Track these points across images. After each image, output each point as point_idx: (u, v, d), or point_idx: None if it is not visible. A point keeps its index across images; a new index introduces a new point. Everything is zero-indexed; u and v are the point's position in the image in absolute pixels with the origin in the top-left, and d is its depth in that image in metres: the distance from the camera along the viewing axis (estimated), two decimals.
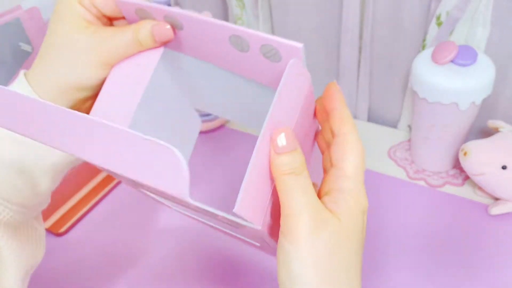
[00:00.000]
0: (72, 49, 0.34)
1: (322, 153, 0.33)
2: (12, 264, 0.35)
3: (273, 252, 0.32)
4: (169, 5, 0.78)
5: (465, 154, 0.54)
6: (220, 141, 0.72)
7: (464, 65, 0.53)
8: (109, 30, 0.34)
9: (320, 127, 0.34)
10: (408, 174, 0.63)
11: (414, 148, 0.64)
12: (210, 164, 0.67)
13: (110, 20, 0.36)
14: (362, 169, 0.29)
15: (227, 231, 0.37)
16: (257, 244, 0.36)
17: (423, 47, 0.62)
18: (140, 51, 0.35)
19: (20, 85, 0.34)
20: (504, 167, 0.52)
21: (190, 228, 0.57)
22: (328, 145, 0.32)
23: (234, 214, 0.25)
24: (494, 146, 0.54)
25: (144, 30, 0.33)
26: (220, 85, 0.39)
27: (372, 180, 0.63)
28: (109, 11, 0.34)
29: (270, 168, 0.27)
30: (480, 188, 0.58)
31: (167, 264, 0.55)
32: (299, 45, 0.28)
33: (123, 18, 0.35)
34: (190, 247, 0.56)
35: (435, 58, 0.54)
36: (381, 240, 0.54)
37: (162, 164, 0.23)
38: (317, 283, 0.26)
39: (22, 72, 0.35)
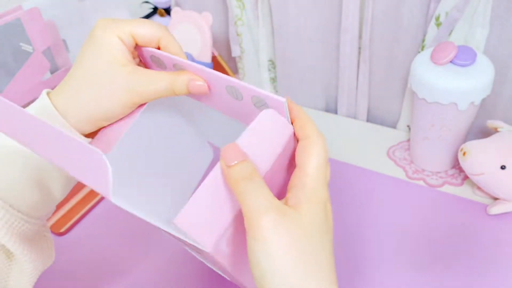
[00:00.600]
0: (106, 85, 0.35)
1: None
2: (27, 271, 0.36)
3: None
4: (169, 6, 0.78)
5: (464, 154, 0.54)
6: None
7: (463, 66, 0.53)
8: (145, 73, 0.35)
9: None
10: (407, 174, 0.63)
11: (413, 148, 0.64)
12: None
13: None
14: (322, 167, 0.30)
15: (198, 257, 0.39)
16: (226, 276, 0.37)
17: (423, 48, 0.63)
18: None
19: (42, 103, 0.35)
20: (503, 167, 0.52)
21: None
22: None
23: (176, 226, 0.27)
24: (493, 146, 0.54)
25: (180, 83, 0.35)
26: (224, 122, 0.42)
27: (371, 180, 0.63)
28: (146, 46, 0.36)
29: (228, 195, 0.29)
30: (479, 188, 0.58)
31: (167, 264, 0.55)
32: (283, 99, 0.31)
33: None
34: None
35: (434, 59, 0.54)
36: (380, 239, 0.55)
37: (92, 165, 0.26)
38: (287, 273, 0.27)
39: (44, 91, 0.36)
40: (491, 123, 0.58)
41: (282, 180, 0.34)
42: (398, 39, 0.64)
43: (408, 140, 0.68)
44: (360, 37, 0.67)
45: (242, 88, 0.32)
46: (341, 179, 0.63)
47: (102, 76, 0.35)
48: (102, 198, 0.64)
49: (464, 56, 0.53)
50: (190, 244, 0.29)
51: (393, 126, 0.73)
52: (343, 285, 0.50)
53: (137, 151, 0.39)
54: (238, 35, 0.77)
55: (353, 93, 0.73)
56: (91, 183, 0.27)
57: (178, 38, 0.77)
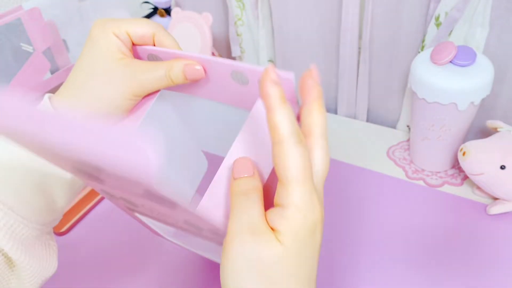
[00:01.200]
0: (104, 78, 0.35)
1: None
2: (27, 277, 0.36)
3: None
4: (169, 6, 0.78)
5: (464, 154, 0.54)
6: None
7: (463, 66, 0.53)
8: (142, 64, 0.35)
9: None
10: (407, 174, 0.63)
11: (413, 148, 0.64)
12: None
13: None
14: (319, 184, 0.28)
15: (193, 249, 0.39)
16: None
17: (422, 48, 0.63)
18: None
19: (44, 108, 0.35)
20: (502, 167, 0.52)
21: None
22: None
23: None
24: (493, 146, 0.54)
25: (176, 68, 0.34)
26: (223, 127, 0.42)
27: (371, 180, 0.63)
28: (141, 43, 0.36)
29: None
30: (478, 188, 0.58)
31: (167, 263, 0.55)
32: (290, 76, 0.29)
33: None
34: None
35: (434, 59, 0.54)
36: (380, 239, 0.55)
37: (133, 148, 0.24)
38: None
39: (46, 96, 0.36)
40: (491, 123, 0.58)
41: None
42: (398, 39, 0.64)
43: (408, 140, 0.68)
44: (360, 37, 0.67)
45: (248, 71, 0.31)
46: (341, 179, 0.63)
47: (99, 70, 0.35)
48: (102, 198, 0.64)
49: (464, 56, 0.53)
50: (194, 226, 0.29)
51: (393, 126, 0.73)
52: (343, 285, 0.50)
53: None
54: (238, 35, 0.77)
55: (353, 93, 0.73)
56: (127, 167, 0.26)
57: (178, 39, 0.77)
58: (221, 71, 0.33)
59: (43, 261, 0.37)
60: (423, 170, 0.63)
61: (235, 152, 0.30)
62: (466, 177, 0.61)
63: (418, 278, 0.50)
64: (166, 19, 0.78)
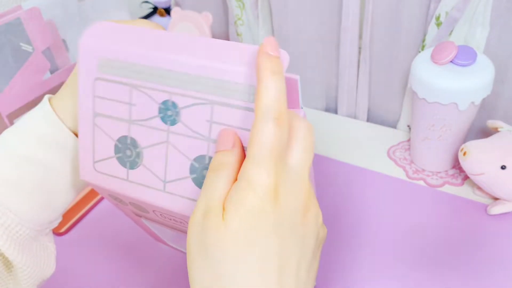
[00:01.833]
0: None
1: None
2: (24, 278, 0.36)
3: None
4: (169, 5, 0.78)
5: (464, 154, 0.54)
6: None
7: (463, 65, 0.53)
8: None
9: None
10: (408, 174, 0.63)
11: (413, 148, 0.64)
12: None
13: None
14: (266, 152, 0.24)
15: None
16: None
17: (423, 48, 0.63)
18: None
19: (43, 109, 0.35)
20: (503, 167, 0.52)
21: None
22: None
23: None
24: (494, 146, 0.54)
25: None
26: None
27: (371, 180, 0.63)
28: None
29: None
30: (479, 188, 0.58)
31: (167, 263, 0.55)
32: (296, 77, 0.30)
33: None
34: None
35: (434, 58, 0.54)
36: (380, 239, 0.55)
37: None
38: (190, 271, 0.25)
39: (46, 96, 0.36)
40: (491, 123, 0.58)
41: None
42: (398, 39, 0.64)
43: (408, 140, 0.68)
44: (360, 37, 0.67)
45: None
46: (341, 179, 0.63)
47: None
48: (102, 198, 0.64)
49: (464, 56, 0.53)
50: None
51: (393, 126, 0.73)
52: (343, 285, 0.50)
53: None
54: (238, 35, 0.77)
55: (353, 93, 0.73)
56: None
57: None
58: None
59: (41, 262, 0.37)
60: (423, 170, 0.63)
61: None
62: (466, 177, 0.61)
63: (418, 278, 0.50)
64: (165, 18, 0.78)
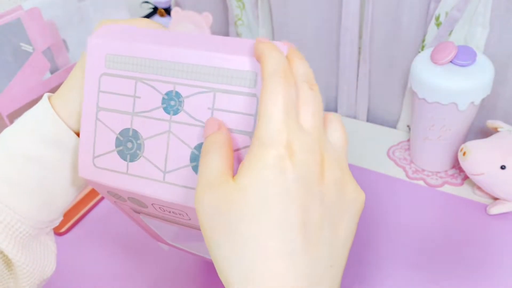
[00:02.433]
0: None
1: None
2: (23, 276, 0.36)
3: None
4: (169, 6, 0.78)
5: (464, 154, 0.54)
6: None
7: (463, 65, 0.53)
8: None
9: None
10: (407, 174, 0.63)
11: (413, 148, 0.64)
12: None
13: None
14: (276, 112, 0.24)
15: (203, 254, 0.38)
16: None
17: (423, 48, 0.63)
18: None
19: (44, 108, 0.35)
20: (503, 167, 0.52)
21: None
22: None
23: None
24: (493, 146, 0.54)
25: None
26: None
27: (371, 180, 0.63)
28: None
29: None
30: (479, 188, 0.58)
31: (167, 263, 0.55)
32: None
33: None
34: None
35: (434, 59, 0.54)
36: (380, 239, 0.55)
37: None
38: (207, 242, 0.25)
39: (46, 95, 0.36)
40: (491, 123, 0.58)
41: None
42: (398, 39, 0.64)
43: (408, 140, 0.68)
44: (360, 37, 0.67)
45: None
46: None
47: None
48: (102, 198, 0.64)
49: (464, 56, 0.53)
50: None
51: (393, 126, 0.73)
52: (342, 284, 0.50)
53: None
54: (238, 35, 0.77)
55: (353, 93, 0.73)
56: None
57: None
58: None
59: (41, 261, 0.37)
60: (423, 170, 0.63)
61: None
62: (466, 177, 0.61)
63: (418, 278, 0.50)
64: (166, 19, 0.78)
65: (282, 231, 0.23)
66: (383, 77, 0.69)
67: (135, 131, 0.32)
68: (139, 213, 0.38)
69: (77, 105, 0.35)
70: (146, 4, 0.79)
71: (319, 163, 0.25)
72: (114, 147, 0.33)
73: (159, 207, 0.33)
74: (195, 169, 0.30)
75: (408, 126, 0.71)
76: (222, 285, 0.25)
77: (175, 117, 0.30)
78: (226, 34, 0.80)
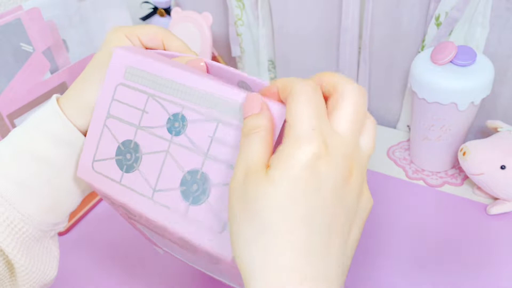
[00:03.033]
0: (104, 70, 0.35)
1: None
2: (21, 279, 0.36)
3: None
4: (169, 6, 0.78)
5: (464, 154, 0.54)
6: None
7: (463, 66, 0.53)
8: None
9: None
10: (407, 174, 0.63)
11: (413, 148, 0.64)
12: None
13: None
14: (307, 113, 0.25)
15: (208, 272, 0.40)
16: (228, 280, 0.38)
17: (422, 48, 0.63)
18: None
19: (52, 109, 0.36)
20: (503, 167, 0.52)
21: None
22: None
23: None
24: (493, 146, 0.54)
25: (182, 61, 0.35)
26: None
27: (371, 180, 0.63)
28: (152, 45, 0.37)
29: None
30: (479, 188, 0.58)
31: (168, 263, 0.55)
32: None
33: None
34: None
35: (434, 59, 0.54)
36: (379, 239, 0.55)
37: None
38: (234, 233, 0.26)
39: (54, 96, 0.37)
40: (491, 123, 0.58)
41: None
42: (398, 39, 0.64)
43: (408, 140, 0.68)
44: (360, 37, 0.67)
45: (252, 83, 0.32)
46: None
47: (104, 65, 0.35)
48: (101, 199, 0.64)
49: (464, 56, 0.53)
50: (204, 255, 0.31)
51: (393, 126, 0.73)
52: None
53: None
54: (238, 35, 0.77)
55: None
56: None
57: None
58: (230, 79, 0.34)
59: (42, 265, 0.37)
60: (423, 170, 0.63)
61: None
62: (466, 177, 0.61)
63: (417, 278, 0.50)
64: (166, 19, 0.78)
65: (305, 229, 0.24)
66: (383, 77, 0.69)
67: (136, 144, 0.33)
68: (131, 219, 0.38)
69: (86, 107, 0.36)
70: (146, 4, 0.79)
71: (349, 168, 0.25)
72: (114, 155, 0.34)
73: (145, 220, 0.34)
74: (183, 194, 0.31)
75: (408, 126, 0.71)
76: None
77: (175, 138, 0.31)
78: (226, 34, 0.80)
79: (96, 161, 0.35)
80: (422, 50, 0.63)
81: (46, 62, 0.56)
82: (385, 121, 0.74)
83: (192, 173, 0.30)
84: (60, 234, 0.59)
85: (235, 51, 0.78)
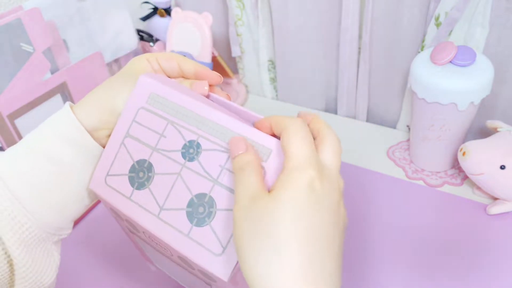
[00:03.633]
0: (123, 78, 0.38)
1: None
2: (18, 277, 0.36)
3: None
4: (169, 6, 0.78)
5: (464, 154, 0.54)
6: None
7: (463, 66, 0.53)
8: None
9: None
10: (407, 174, 0.63)
11: (413, 148, 0.64)
12: None
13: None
14: (301, 145, 0.30)
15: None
16: None
17: (422, 48, 0.63)
18: None
19: (67, 116, 0.37)
20: (502, 167, 0.52)
21: None
22: None
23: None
24: (493, 146, 0.54)
25: (186, 83, 0.39)
26: None
27: (371, 180, 0.63)
28: (169, 70, 0.40)
29: None
30: (478, 188, 0.58)
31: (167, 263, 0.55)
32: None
33: (182, 77, 0.41)
34: None
35: (434, 59, 0.54)
36: (379, 239, 0.55)
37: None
38: (249, 265, 0.28)
39: (67, 103, 0.38)
40: (491, 123, 0.58)
41: None
42: (398, 39, 0.64)
43: (408, 140, 0.68)
44: (360, 37, 0.67)
45: (244, 114, 0.35)
46: None
47: (130, 82, 0.37)
48: (99, 201, 0.64)
49: (463, 56, 0.53)
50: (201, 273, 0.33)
51: (393, 126, 0.73)
52: (342, 284, 0.50)
53: None
54: (238, 35, 0.77)
55: (353, 93, 0.73)
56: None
57: (178, 38, 0.77)
58: (227, 108, 0.37)
59: (40, 268, 0.37)
60: (423, 170, 0.63)
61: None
62: (466, 177, 0.61)
63: (417, 278, 0.50)
64: (166, 19, 0.78)
65: (308, 238, 0.28)
66: (383, 77, 0.69)
67: (150, 164, 0.35)
68: (133, 233, 0.40)
69: (99, 119, 0.37)
70: (146, 4, 0.79)
71: (338, 195, 0.31)
72: (127, 172, 0.36)
73: (148, 236, 0.36)
74: (189, 215, 0.33)
75: (407, 126, 0.71)
76: None
77: (188, 164, 0.34)
78: (226, 34, 0.81)
79: (110, 175, 0.37)
80: (422, 50, 0.63)
81: (46, 62, 0.56)
82: (385, 121, 0.74)
83: (200, 196, 0.33)
84: None
85: (235, 51, 0.78)
